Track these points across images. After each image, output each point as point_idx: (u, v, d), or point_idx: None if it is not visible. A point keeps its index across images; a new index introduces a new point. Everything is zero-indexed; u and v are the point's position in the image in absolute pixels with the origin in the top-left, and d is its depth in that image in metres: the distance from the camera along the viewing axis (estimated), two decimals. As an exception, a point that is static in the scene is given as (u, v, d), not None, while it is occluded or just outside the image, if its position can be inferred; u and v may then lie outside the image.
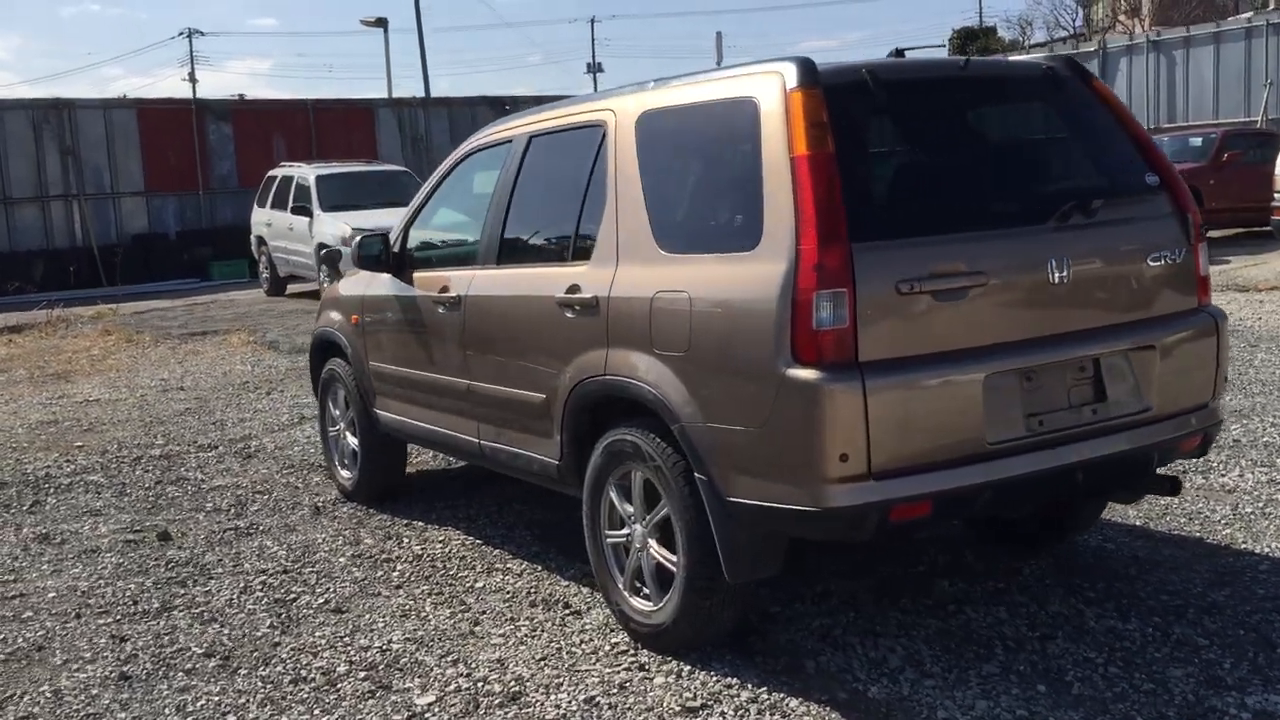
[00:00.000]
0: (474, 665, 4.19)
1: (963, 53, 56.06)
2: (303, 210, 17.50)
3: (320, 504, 6.47)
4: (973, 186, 3.92)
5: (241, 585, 5.21)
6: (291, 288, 19.49)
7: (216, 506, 6.58)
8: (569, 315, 4.38)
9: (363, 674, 4.18)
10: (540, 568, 5.17)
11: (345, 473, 6.56)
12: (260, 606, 4.93)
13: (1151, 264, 4.01)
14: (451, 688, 4.02)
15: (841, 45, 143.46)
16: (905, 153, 3.95)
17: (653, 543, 4.14)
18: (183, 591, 5.18)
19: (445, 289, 5.24)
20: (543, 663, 4.16)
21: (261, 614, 4.85)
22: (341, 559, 5.51)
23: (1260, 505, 5.33)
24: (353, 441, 6.43)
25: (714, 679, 3.93)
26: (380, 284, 5.89)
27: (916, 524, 3.66)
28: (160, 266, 23.44)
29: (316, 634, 4.59)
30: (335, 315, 6.42)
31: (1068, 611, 4.31)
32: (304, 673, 4.23)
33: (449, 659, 4.26)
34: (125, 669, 4.35)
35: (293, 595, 5.05)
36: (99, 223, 23.45)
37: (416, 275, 5.60)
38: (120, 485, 7.16)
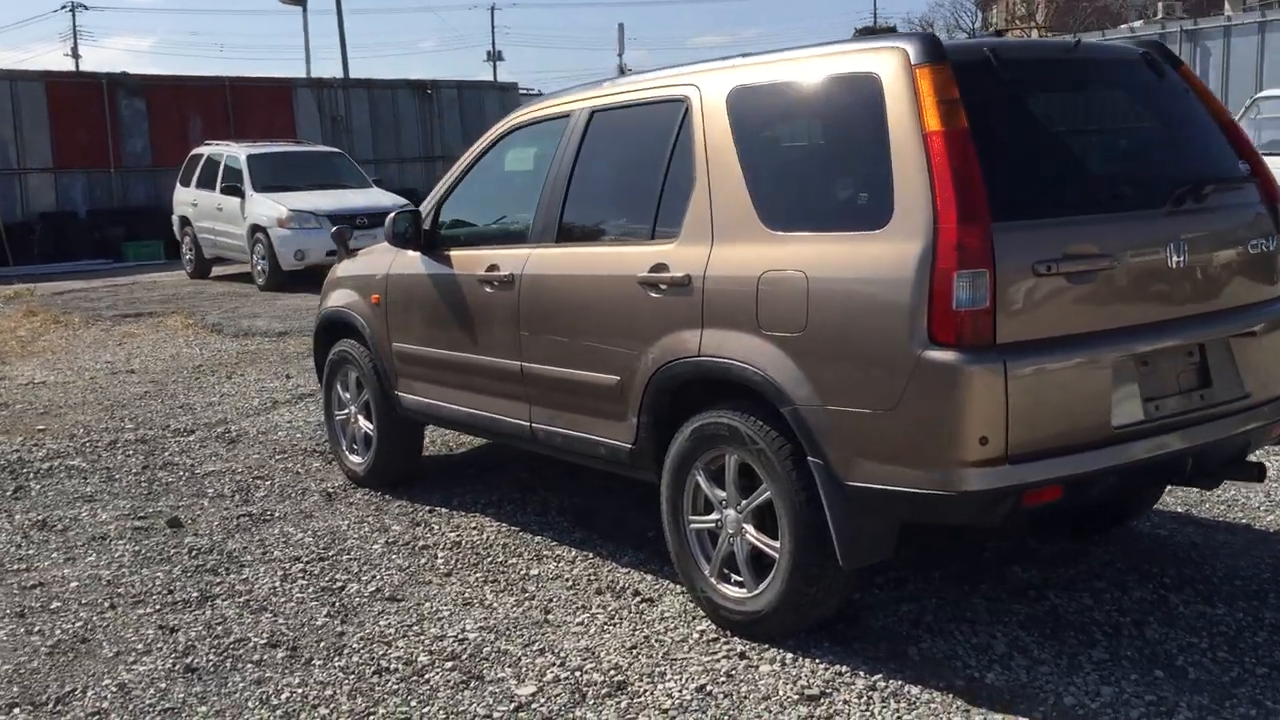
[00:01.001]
0: (563, 654, 4.06)
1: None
2: (234, 190, 16.98)
3: (331, 490, 6.25)
4: (1095, 168, 3.91)
5: (280, 573, 4.99)
6: (218, 270, 18.90)
7: (219, 492, 6.31)
8: (653, 295, 4.27)
9: (449, 664, 4.03)
10: (591, 554, 5.05)
11: (355, 458, 6.34)
12: (308, 595, 4.73)
13: (1251, 251, 4.04)
14: (549, 677, 3.89)
15: (734, 40, 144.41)
16: (1030, 132, 3.90)
17: (749, 528, 4.05)
18: (217, 580, 4.94)
19: (494, 268, 5.08)
20: (635, 651, 4.05)
21: (312, 603, 4.65)
22: (376, 546, 5.31)
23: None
24: (365, 426, 6.21)
25: (821, 666, 3.86)
26: (407, 262, 5.70)
27: (1045, 508, 3.63)
28: (70, 246, 22.54)
29: (380, 623, 4.41)
30: (349, 295, 6.19)
31: (1151, 597, 4.33)
32: (384, 663, 4.06)
33: (534, 648, 4.12)
34: (188, 661, 4.13)
35: (338, 583, 4.85)
36: (3, 200, 22.46)
37: (454, 254, 5.42)
38: (106, 470, 6.83)
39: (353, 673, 4.00)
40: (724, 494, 4.14)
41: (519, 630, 4.28)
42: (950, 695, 3.63)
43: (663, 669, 3.90)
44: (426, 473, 6.47)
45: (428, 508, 5.88)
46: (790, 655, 3.95)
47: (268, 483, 6.46)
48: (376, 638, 4.28)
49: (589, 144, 4.85)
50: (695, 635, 4.16)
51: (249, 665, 4.10)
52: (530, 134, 5.30)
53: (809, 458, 3.76)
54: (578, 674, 3.90)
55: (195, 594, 4.79)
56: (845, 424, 3.65)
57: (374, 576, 4.92)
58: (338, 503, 6.03)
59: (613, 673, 3.89)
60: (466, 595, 4.65)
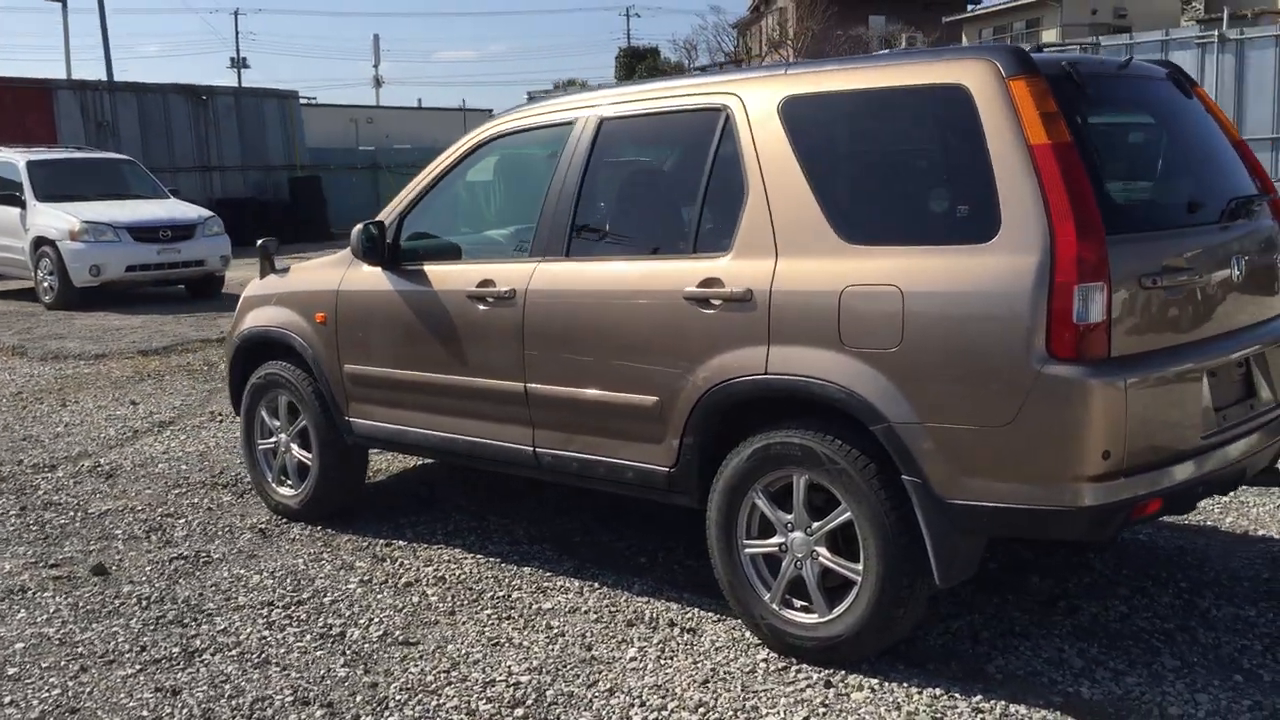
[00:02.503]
0: (636, 693, 3.82)
1: (630, 72, 57.75)
2: (12, 200, 15.59)
3: (263, 526, 5.75)
4: (1166, 182, 3.98)
5: (260, 621, 4.53)
6: (-3, 286, 17.31)
7: (130, 534, 5.70)
8: (704, 311, 4.09)
9: (518, 712, 3.73)
10: (595, 584, 4.81)
11: (286, 490, 5.85)
12: (308, 644, 4.30)
13: (1274, 265, 4.21)
14: (637, 719, 3.64)
15: (481, 56, 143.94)
16: (1110, 147, 3.94)
17: (822, 551, 3.92)
18: (190, 632, 4.44)
19: (487, 284, 4.77)
20: (710, 686, 3.86)
21: (318, 652, 4.23)
22: (351, 585, 4.90)
23: (1254, 495, 5.70)
24: (301, 455, 5.74)
25: (913, 691, 3.76)
26: (364, 278, 5.30)
27: (1141, 521, 3.66)
28: None
29: (410, 670, 4.05)
30: (283, 313, 5.71)
31: (1177, 602, 4.44)
32: (444, 714, 3.71)
33: (600, 688, 3.86)
34: (217, 727, 3.66)
35: (335, 629, 4.44)
36: None
37: (431, 269, 5.07)
38: (-21, 513, 6.06)
39: (417, 728, 3.63)
40: (789, 517, 3.99)
41: (569, 670, 4.01)
42: (1057, 713, 3.60)
43: (752, 702, 3.72)
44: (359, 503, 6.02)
45: (382, 541, 5.48)
46: (874, 681, 3.84)
47: (182, 521, 5.88)
48: (417, 687, 3.92)
49: (600, 154, 4.62)
50: (761, 665, 4.00)
51: (291, 728, 3.67)
52: (516, 143, 5.01)
53: (904, 476, 3.66)
54: (664, 713, 3.68)
55: (175, 649, 4.28)
56: (948, 441, 3.58)
57: (370, 619, 4.52)
58: (277, 539, 5.54)
59: (702, 710, 3.68)
60: (489, 635, 4.33)
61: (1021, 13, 50.53)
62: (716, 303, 4.06)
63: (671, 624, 4.37)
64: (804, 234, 3.90)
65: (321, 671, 4.06)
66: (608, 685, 3.88)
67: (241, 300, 6.11)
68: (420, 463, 6.87)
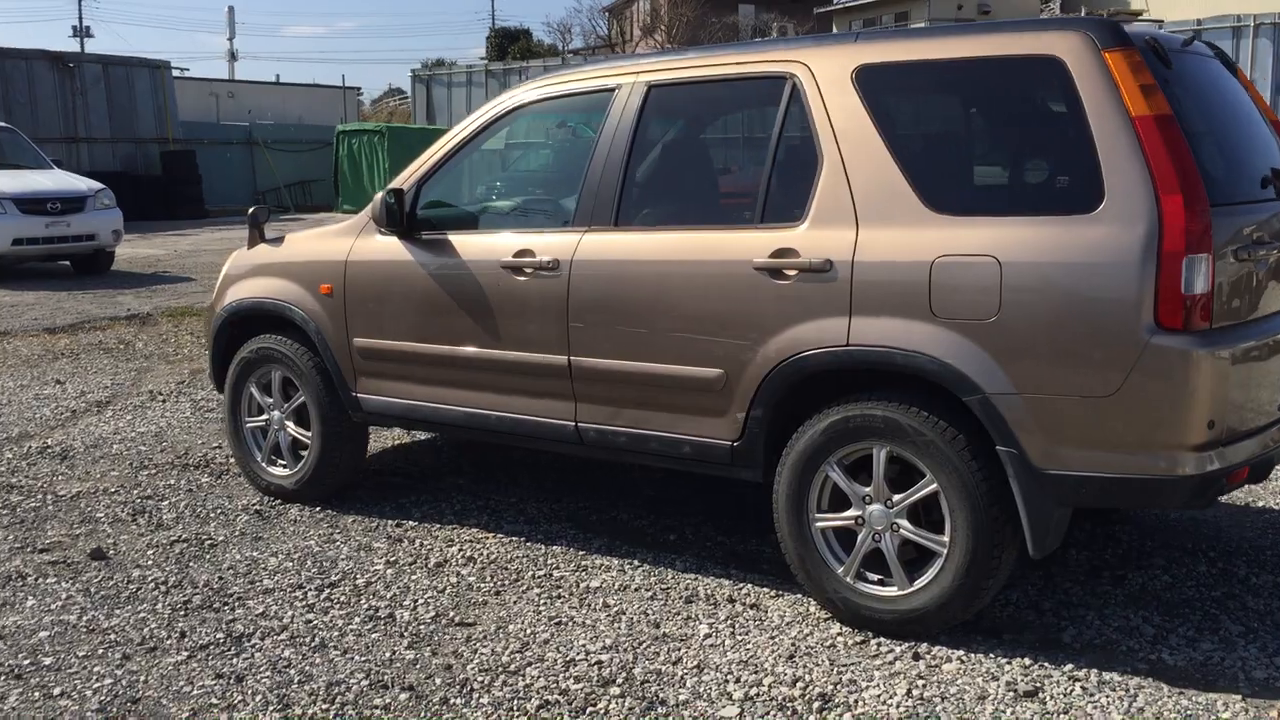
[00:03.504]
0: (723, 668, 3.76)
1: (502, 53, 57.28)
2: (-118, 169, 14.62)
3: (257, 507, 5.49)
4: (1242, 157, 4.05)
5: (298, 604, 4.32)
6: None
7: (115, 517, 5.39)
8: (778, 282, 4.03)
9: (614, 690, 3.63)
10: (635, 562, 4.72)
11: (280, 470, 5.61)
12: (360, 627, 4.12)
13: None
14: (738, 695, 3.58)
15: (330, 31, 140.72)
16: (1195, 120, 3.98)
17: (904, 523, 3.90)
18: (228, 617, 4.21)
19: (525, 254, 4.62)
20: (797, 660, 3.81)
21: (373, 634, 4.06)
22: (377, 566, 4.72)
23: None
24: (298, 433, 5.51)
25: (1001, 661, 3.78)
26: (378, 248, 5.10)
27: (1234, 488, 3.73)
28: None
29: (481, 651, 3.91)
30: (280, 284, 5.45)
31: (1214, 570, 4.56)
32: (535, 695, 3.59)
33: (687, 665, 3.79)
34: (296, 713, 3.47)
35: (381, 611, 4.26)
36: None
37: (456, 239, 4.89)
38: (-62, 497, 5.66)
39: (511, 708, 3.51)
40: (867, 489, 3.96)
41: (645, 648, 3.92)
42: (1149, 679, 3.66)
43: (847, 675, 3.69)
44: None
45: (391, 521, 5.29)
46: (959, 652, 3.85)
47: (166, 503, 5.59)
48: (496, 668, 3.78)
49: (649, 121, 4.52)
50: (839, 639, 3.97)
51: (379, 712, 3.50)
52: (549, 109, 4.87)
53: (999, 447, 3.67)
54: (761, 688, 3.62)
55: (219, 634, 4.04)
56: (1046, 412, 3.59)
57: (415, 601, 4.35)
58: (277, 521, 5.31)
59: (800, 685, 3.64)
60: (547, 614, 4.21)
61: (890, 5, 51.50)
62: (791, 273, 4.00)
63: (730, 600, 4.30)
64: (887, 203, 3.87)
65: (386, 654, 3.89)
66: (694, 662, 3.80)
67: (226, 270, 5.81)
68: (400, 440, 6.67)
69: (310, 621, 4.16)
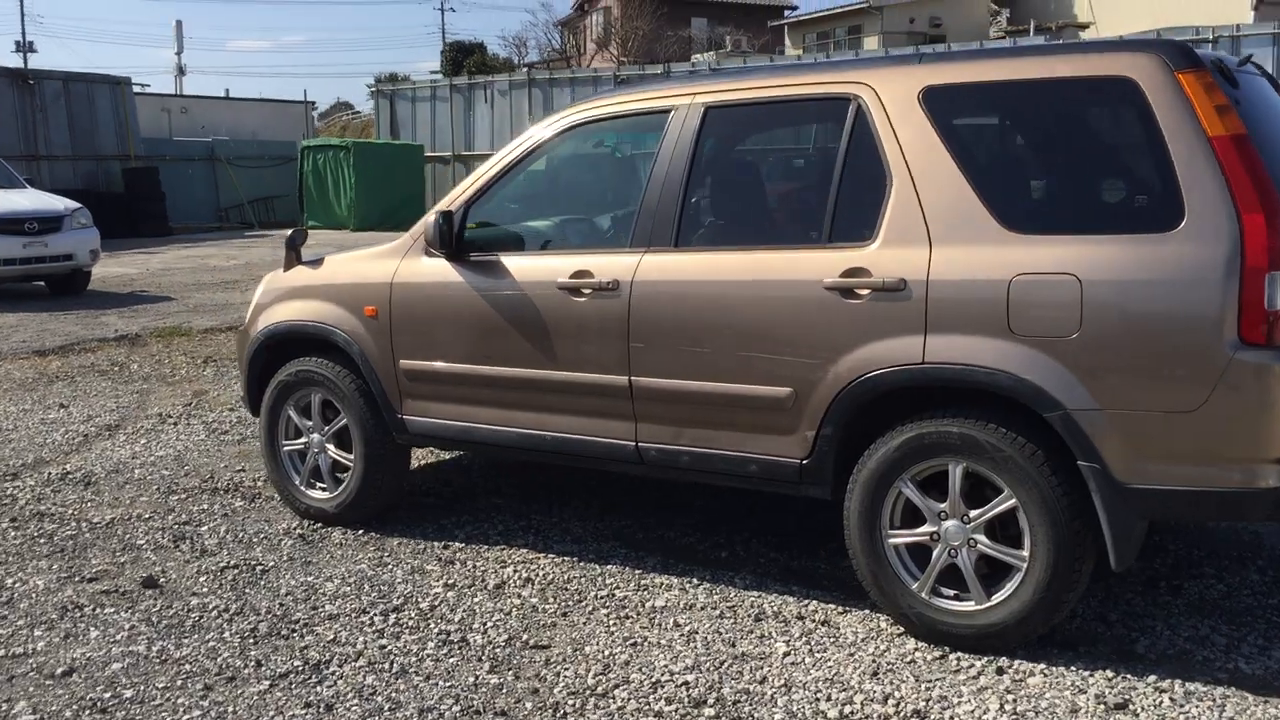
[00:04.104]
0: (811, 687, 3.78)
1: (458, 67, 57.16)
2: None
3: (300, 531, 5.45)
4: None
5: (368, 629, 4.30)
6: None
7: (156, 543, 5.34)
8: (849, 302, 4.07)
9: (708, 711, 3.64)
10: (694, 580, 4.74)
11: (320, 493, 5.57)
12: (435, 651, 4.11)
13: None
14: (833, 715, 3.60)
15: (277, 46, 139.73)
16: (1261, 137, 4.05)
17: (982, 538, 3.95)
18: (300, 644, 4.18)
19: (583, 275, 4.64)
20: (880, 678, 3.85)
21: (450, 659, 4.05)
22: (436, 589, 4.70)
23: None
24: (339, 456, 5.48)
25: (1084, 674, 3.84)
26: (424, 270, 5.09)
27: None
28: None
29: (563, 674, 3.92)
30: (321, 306, 5.42)
31: (1264, 579, 4.65)
32: (628, 717, 3.59)
33: (774, 684, 3.81)
34: (401, 742, 3.46)
35: (452, 635, 4.25)
36: None
37: (509, 260, 4.89)
38: (-30, 526, 5.58)
39: (614, 733, 3.51)
40: (942, 505, 4.01)
41: (728, 667, 3.94)
42: (1232, 688, 3.72)
43: (937, 692, 3.73)
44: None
45: (438, 543, 5.28)
46: (1040, 665, 3.89)
47: (205, 529, 5.53)
48: (583, 691, 3.79)
49: (707, 142, 4.55)
50: (918, 655, 4.01)
51: (480, 739, 3.49)
52: (601, 131, 4.89)
53: (1080, 462, 3.73)
54: (854, 707, 3.64)
55: (296, 662, 4.02)
56: (1130, 427, 3.65)
57: (483, 624, 4.34)
58: (322, 545, 5.27)
59: (892, 703, 3.67)
60: (620, 635, 4.22)
61: (844, 19, 52.07)
62: (864, 292, 4.04)
63: (799, 617, 4.33)
64: (961, 223, 3.92)
65: (470, 679, 3.88)
66: (780, 681, 3.82)
67: (261, 293, 5.77)
68: (428, 460, 6.64)
69: (385, 647, 4.13)
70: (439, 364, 5.06)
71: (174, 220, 27.35)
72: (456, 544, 5.26)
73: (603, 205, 5.37)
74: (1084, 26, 43.31)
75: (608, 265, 4.61)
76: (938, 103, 4.06)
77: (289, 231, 5.80)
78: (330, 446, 5.50)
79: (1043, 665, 3.88)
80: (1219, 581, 4.61)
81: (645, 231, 4.57)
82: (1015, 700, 3.65)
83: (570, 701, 3.71)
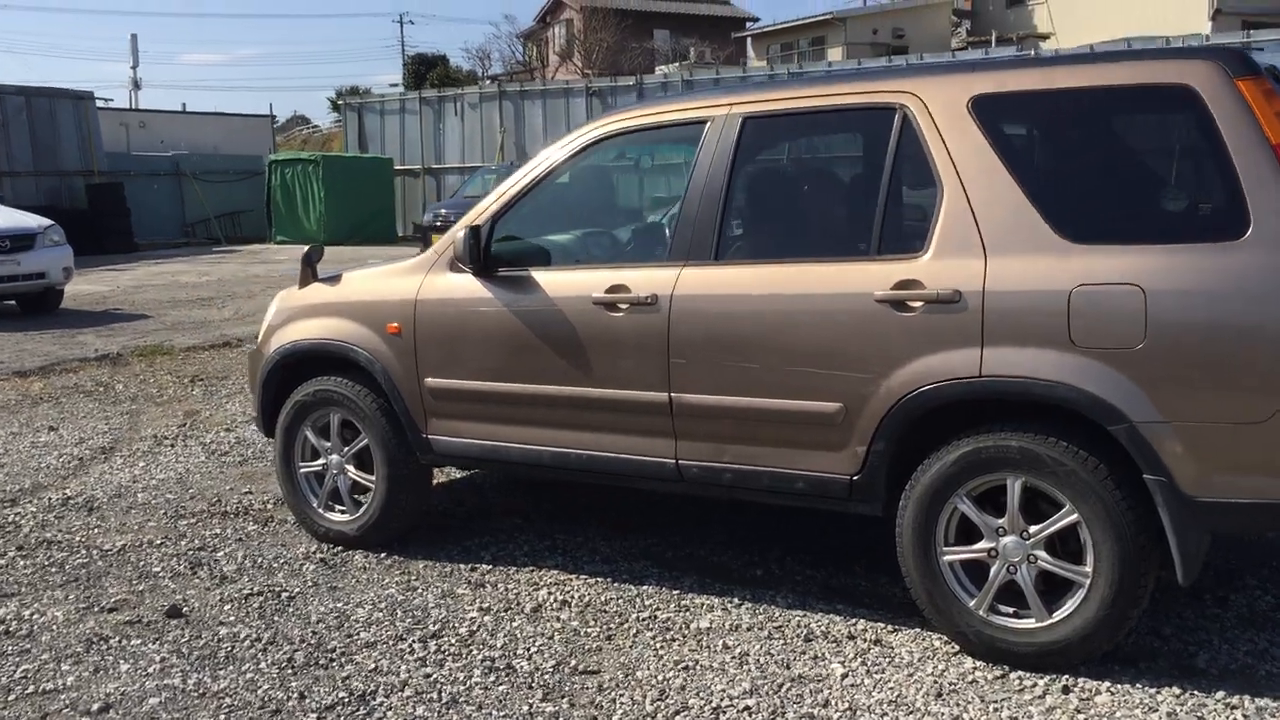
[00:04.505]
0: (877, 710, 3.70)
1: (420, 79, 56.79)
2: None
3: (321, 556, 5.31)
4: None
5: (409, 656, 4.18)
6: None
7: (173, 571, 5.18)
8: (902, 314, 4.00)
9: (776, 737, 3.54)
10: (736, 600, 4.65)
11: (340, 515, 5.43)
12: (483, 680, 4.00)
13: None
14: (904, 737, 3.51)
15: (231, 60, 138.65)
16: None
17: (1042, 554, 3.89)
18: (341, 673, 4.05)
19: (619, 289, 4.54)
20: (945, 699, 3.77)
21: (500, 687, 3.93)
22: (471, 613, 4.58)
23: None
24: (359, 477, 5.34)
25: (1149, 691, 3.78)
26: (450, 286, 4.98)
27: None
28: None
29: (620, 701, 3.81)
30: (341, 324, 5.29)
31: (1311, 589, 4.61)
32: (700, 747, 3.49)
33: (838, 708, 3.72)
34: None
35: (497, 661, 4.13)
36: None
37: (540, 276, 4.79)
38: (-25, 555, 5.40)
39: (685, 762, 3.40)
40: (1000, 521, 3.94)
41: (787, 691, 3.85)
42: (1304, 702, 3.67)
43: (1007, 713, 3.66)
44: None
45: (465, 565, 5.15)
46: (1104, 684, 3.83)
47: (220, 554, 5.38)
48: (644, 718, 3.67)
49: (746, 154, 4.47)
50: (979, 675, 3.93)
51: (546, 771, 3.37)
52: (633, 143, 4.79)
53: (1146, 475, 3.67)
54: (924, 729, 3.56)
55: (340, 694, 3.89)
56: (1196, 439, 3.60)
57: (527, 649, 4.23)
58: (346, 569, 5.14)
59: (962, 724, 3.58)
60: (669, 659, 4.12)
61: (808, 31, 52.28)
62: (917, 305, 3.97)
63: (850, 637, 4.25)
64: (1017, 233, 3.86)
65: (524, 708, 3.77)
66: (844, 705, 3.73)
67: (275, 311, 5.63)
68: (438, 480, 6.51)
69: (429, 676, 4.01)
70: (467, 382, 4.94)
71: (139, 236, 27.01)
72: (484, 566, 5.13)
73: (627, 218, 5.27)
74: (1044, 37, 43.74)
75: (645, 279, 4.51)
76: (988, 111, 4.00)
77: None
78: (350, 468, 5.37)
79: (1107, 683, 3.81)
80: (1264, 593, 4.57)
81: (684, 245, 4.48)
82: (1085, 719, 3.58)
83: (630, 728, 3.60)
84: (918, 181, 4.08)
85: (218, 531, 5.71)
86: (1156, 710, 3.63)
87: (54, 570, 5.21)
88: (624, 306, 4.52)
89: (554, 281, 4.75)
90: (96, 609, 4.71)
